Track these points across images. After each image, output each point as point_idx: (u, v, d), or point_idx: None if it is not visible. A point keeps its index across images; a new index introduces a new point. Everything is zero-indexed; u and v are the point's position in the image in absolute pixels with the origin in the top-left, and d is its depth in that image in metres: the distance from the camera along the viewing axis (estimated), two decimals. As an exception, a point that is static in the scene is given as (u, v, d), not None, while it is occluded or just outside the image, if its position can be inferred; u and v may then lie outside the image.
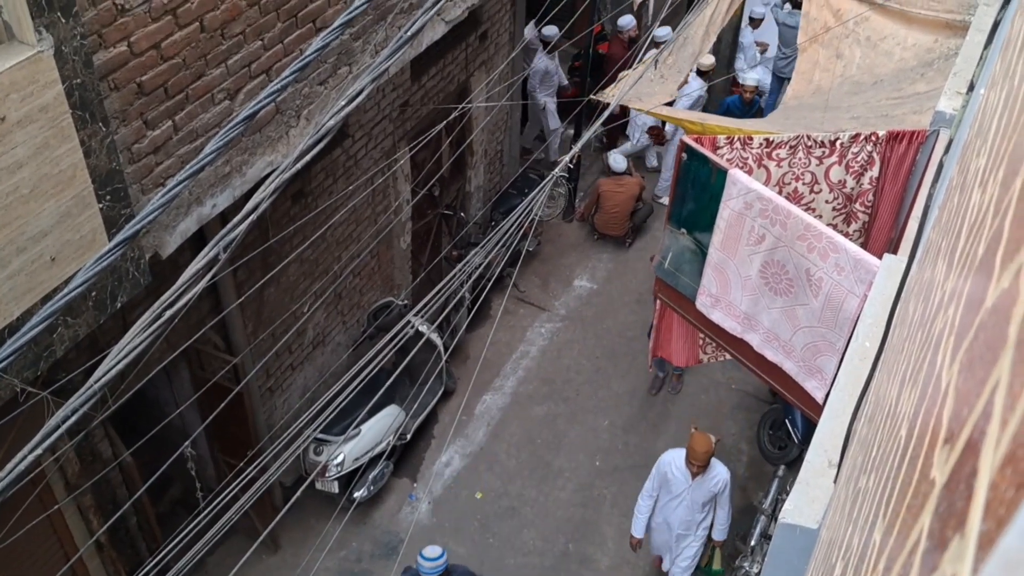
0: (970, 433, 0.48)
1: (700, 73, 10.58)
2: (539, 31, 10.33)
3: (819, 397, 5.13)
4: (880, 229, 5.68)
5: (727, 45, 11.62)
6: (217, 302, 6.36)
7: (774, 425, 8.38)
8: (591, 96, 7.93)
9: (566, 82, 11.35)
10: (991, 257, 0.56)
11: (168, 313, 2.98)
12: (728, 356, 6.10)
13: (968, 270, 0.69)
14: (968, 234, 0.80)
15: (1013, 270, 0.49)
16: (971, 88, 3.14)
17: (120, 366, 2.91)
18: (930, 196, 2.68)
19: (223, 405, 4.97)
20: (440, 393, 8.63)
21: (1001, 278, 0.50)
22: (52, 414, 2.88)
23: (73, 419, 2.75)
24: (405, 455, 8.49)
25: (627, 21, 10.75)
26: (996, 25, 2.98)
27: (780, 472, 7.51)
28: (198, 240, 5.14)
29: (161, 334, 3.02)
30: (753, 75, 11.59)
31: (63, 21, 3.68)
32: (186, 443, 4.88)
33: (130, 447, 5.96)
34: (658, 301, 6.41)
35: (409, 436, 8.29)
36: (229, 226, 3.00)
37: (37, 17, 3.58)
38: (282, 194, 6.66)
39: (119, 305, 4.42)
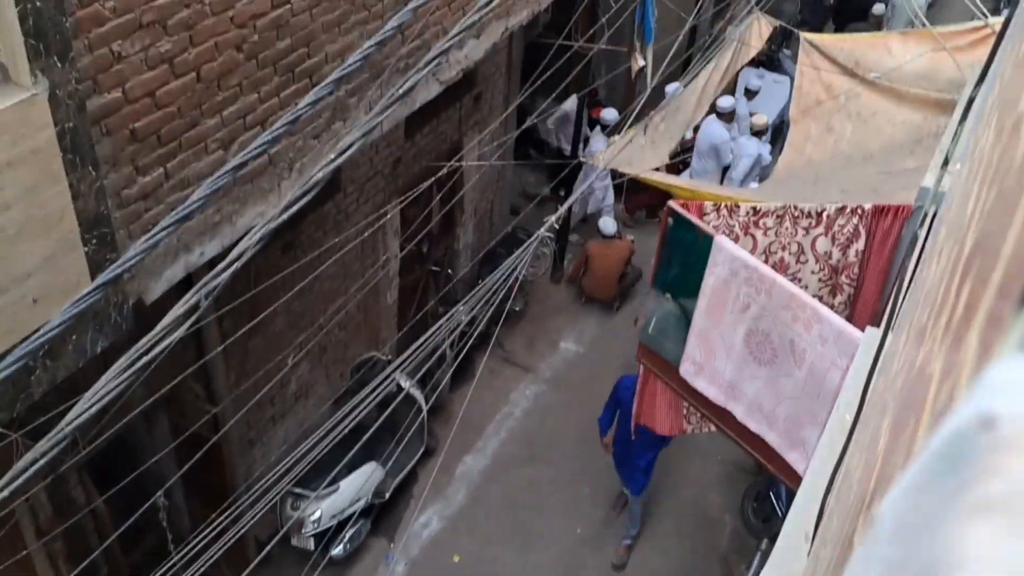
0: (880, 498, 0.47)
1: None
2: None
3: (801, 469, 5.10)
4: (865, 302, 5.71)
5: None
6: (201, 350, 6.33)
7: (758, 498, 8.32)
8: (581, 158, 8.01)
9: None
10: (928, 322, 0.57)
11: (145, 359, 2.97)
12: (713, 427, 6.07)
13: (915, 337, 0.70)
14: (922, 303, 0.81)
15: (934, 334, 0.49)
16: (946, 162, 3.19)
17: (94, 410, 2.88)
18: (908, 269, 2.70)
19: (201, 455, 4.91)
20: (420, 452, 8.56)
21: (927, 342, 0.51)
22: (22, 456, 2.84)
23: (43, 461, 2.72)
24: (383, 514, 8.39)
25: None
26: (971, 101, 3.04)
27: (763, 546, 7.45)
28: (185, 287, 5.11)
29: (137, 379, 3.00)
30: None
31: (59, 66, 3.71)
32: (159, 492, 4.82)
33: (105, 494, 5.88)
34: (642, 367, 6.40)
35: (388, 494, 8.20)
36: (212, 273, 3.00)
37: (34, 61, 3.61)
38: (272, 245, 6.68)
39: (100, 349, 4.39)
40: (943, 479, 0.35)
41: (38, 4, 3.53)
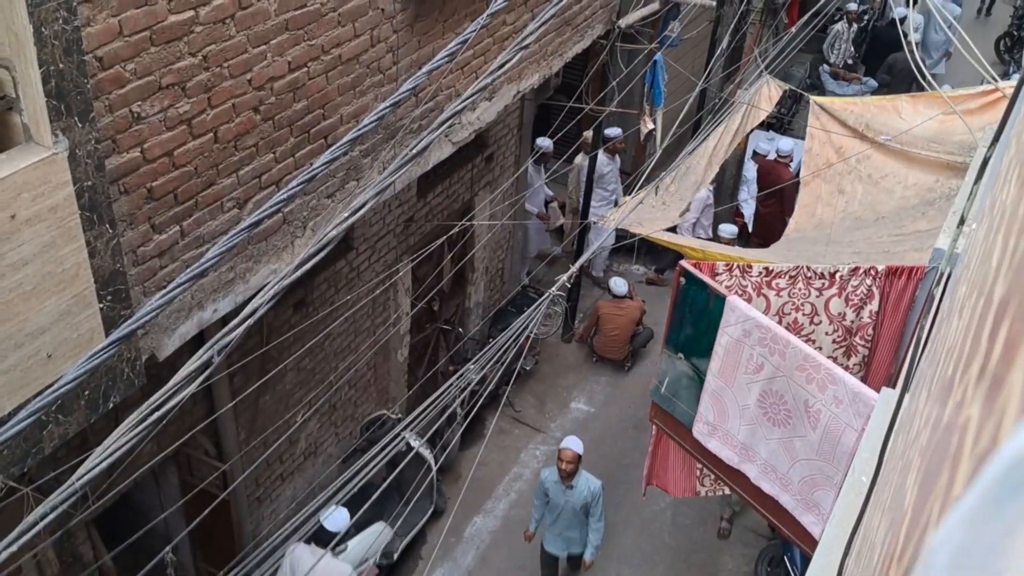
0: (913, 550, 0.47)
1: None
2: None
3: (816, 532, 5.04)
4: (880, 363, 5.68)
5: (731, 177, 11.84)
6: (211, 407, 6.32)
7: (772, 562, 8.20)
8: (592, 220, 8.05)
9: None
10: (954, 375, 0.57)
11: (156, 415, 2.97)
12: (727, 490, 6.01)
13: (938, 393, 0.70)
14: (945, 359, 0.81)
15: (964, 383, 0.49)
16: (962, 222, 3.20)
17: (104, 465, 2.88)
18: (925, 329, 2.70)
19: (209, 511, 4.89)
20: (430, 512, 8.48)
21: (956, 393, 0.51)
22: (32, 510, 2.83)
23: (52, 516, 2.71)
24: (391, 575, 8.29)
25: (615, 131, 10.88)
26: (986, 161, 3.05)
27: (776, 609, 7.33)
28: (197, 344, 5.13)
29: (148, 435, 3.00)
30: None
31: (80, 126, 3.77)
32: (166, 549, 4.78)
33: (113, 551, 5.83)
34: (654, 427, 6.36)
35: (396, 555, 8.12)
36: (225, 330, 3.01)
37: (55, 121, 3.67)
38: (283, 302, 6.70)
39: (112, 405, 4.39)
40: (1002, 507, 0.35)
41: (61, 66, 3.60)
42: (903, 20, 10.98)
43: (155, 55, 4.18)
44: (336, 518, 6.66)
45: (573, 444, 7.60)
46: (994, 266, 0.64)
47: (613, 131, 10.78)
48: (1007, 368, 0.43)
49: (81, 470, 2.82)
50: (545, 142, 10.27)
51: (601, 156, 10.47)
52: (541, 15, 3.58)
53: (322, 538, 6.47)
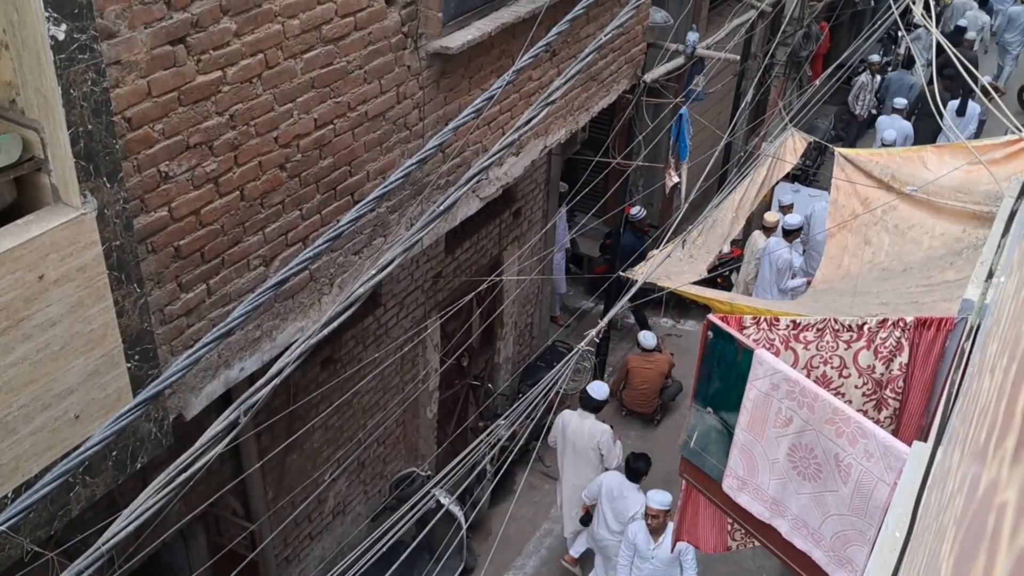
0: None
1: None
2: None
3: (851, 589, 4.93)
4: (911, 416, 5.59)
5: (756, 228, 11.81)
6: (239, 466, 6.31)
7: (806, 618, 8.02)
8: (620, 272, 8.03)
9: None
10: (988, 444, 0.55)
11: (184, 475, 2.95)
12: (757, 543, 5.90)
13: (972, 458, 0.67)
14: (977, 420, 0.78)
15: (999, 458, 0.47)
16: (990, 275, 3.15)
17: (131, 527, 2.86)
18: (955, 383, 2.65)
19: (237, 572, 4.86)
20: (460, 570, 8.38)
21: (991, 466, 0.48)
22: (57, 575, 2.82)
23: (77, 581, 2.69)
24: (421, 634, 8.18)
25: (640, 212, 11.03)
26: (1013, 215, 3.02)
27: (813, 670, 7.14)
28: (224, 403, 5.14)
29: (176, 496, 2.98)
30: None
31: (108, 186, 3.82)
32: (193, 612, 4.74)
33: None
34: (684, 482, 6.27)
35: (426, 614, 8.01)
36: (252, 389, 3.00)
37: (84, 181, 3.72)
38: (311, 360, 6.71)
39: (139, 466, 4.39)
40: None
41: (89, 127, 3.65)
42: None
43: (183, 115, 4.24)
44: (596, 387, 8.61)
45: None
46: (1027, 327, 0.62)
47: (638, 212, 10.91)
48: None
49: (108, 532, 2.80)
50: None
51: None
52: (567, 71, 3.60)
53: (586, 405, 8.46)
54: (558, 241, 10.84)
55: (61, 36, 3.44)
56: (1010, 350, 0.66)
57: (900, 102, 13.94)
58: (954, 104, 14.39)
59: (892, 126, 13.65)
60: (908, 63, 16.22)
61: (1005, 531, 0.42)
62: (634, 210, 10.92)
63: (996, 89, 15.61)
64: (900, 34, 15.87)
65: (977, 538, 0.44)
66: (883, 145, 12.88)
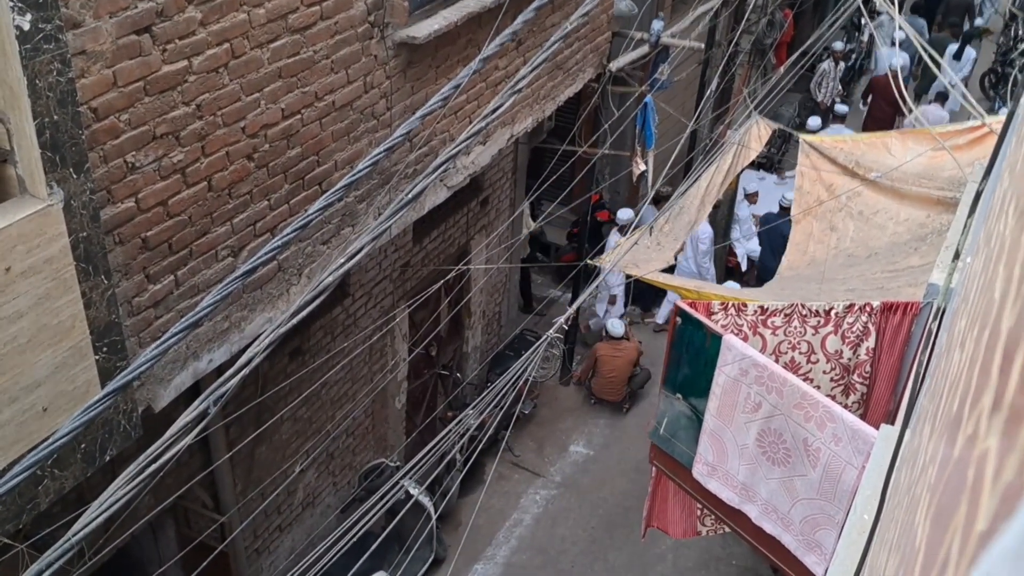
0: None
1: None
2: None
3: (819, 573, 4.99)
4: (878, 400, 5.66)
5: (723, 216, 11.89)
6: (208, 458, 6.28)
7: (774, 601, 8.12)
8: (587, 260, 8.06)
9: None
10: (962, 409, 0.56)
11: (153, 467, 2.94)
12: (727, 529, 5.96)
13: (944, 428, 0.69)
14: (948, 393, 0.80)
15: (975, 416, 0.48)
16: (957, 256, 3.21)
17: (100, 520, 2.84)
18: (923, 365, 2.69)
19: (207, 564, 4.83)
20: (430, 561, 8.39)
21: (967, 426, 0.50)
22: (27, 567, 2.79)
23: (48, 573, 2.67)
24: (392, 624, 8.19)
25: (627, 214, 11.05)
26: (979, 195, 3.08)
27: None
28: (193, 394, 5.10)
29: (145, 488, 2.97)
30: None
31: (75, 177, 3.78)
32: (165, 604, 4.72)
33: (108, 608, 5.76)
34: (654, 468, 6.32)
35: (397, 604, 8.02)
36: (220, 380, 2.99)
37: (50, 172, 3.67)
38: (279, 351, 6.69)
39: (108, 458, 4.35)
40: None
41: (55, 118, 3.61)
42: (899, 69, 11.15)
43: (149, 105, 4.20)
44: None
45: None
46: (997, 297, 0.64)
47: (625, 213, 10.93)
48: (1027, 398, 0.43)
49: (77, 525, 2.79)
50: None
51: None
52: (533, 59, 3.60)
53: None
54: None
55: (26, 26, 3.40)
56: (980, 319, 0.68)
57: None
58: (952, 48, 15.32)
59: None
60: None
61: (988, 475, 0.44)
62: (622, 213, 10.96)
63: (988, 32, 17.23)
64: (863, 21, 16.01)
65: (956, 492, 0.46)
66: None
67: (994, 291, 0.66)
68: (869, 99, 15.16)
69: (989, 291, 0.69)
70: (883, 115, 14.11)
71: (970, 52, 15.55)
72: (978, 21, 16.98)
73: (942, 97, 14.16)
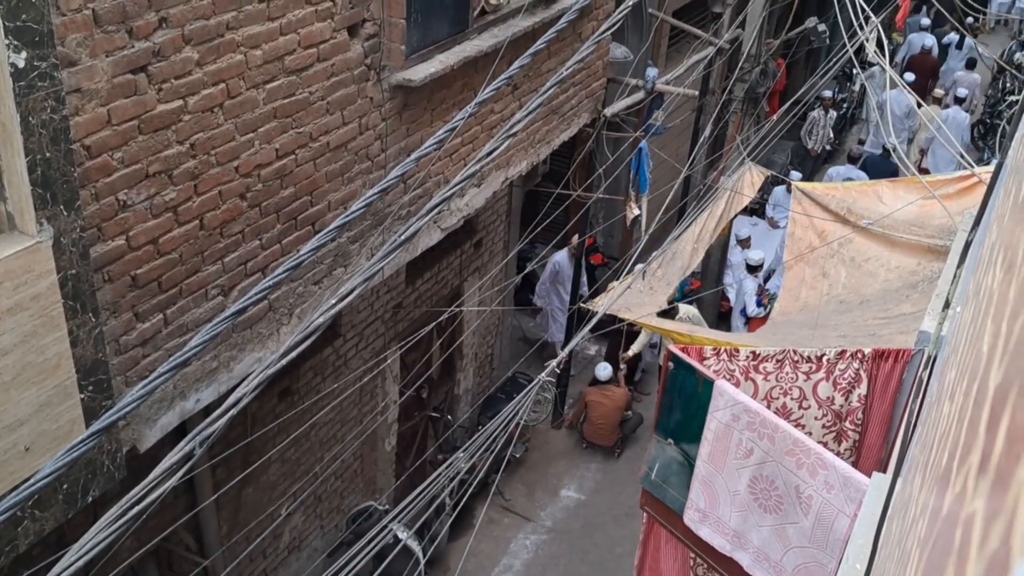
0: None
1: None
2: None
3: (811, 621, 4.92)
4: (870, 448, 5.63)
5: (715, 262, 11.91)
6: (193, 500, 6.20)
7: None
8: (581, 304, 8.05)
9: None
10: (951, 464, 0.55)
11: (136, 509, 2.89)
12: None
13: (935, 481, 0.68)
14: (938, 445, 0.79)
15: (963, 474, 0.47)
16: (947, 305, 3.20)
17: (81, 563, 2.79)
18: (914, 413, 2.67)
19: (189, 609, 4.76)
20: (418, 605, 8.28)
21: (955, 483, 0.49)
22: (4, 612, 2.74)
23: (24, 618, 2.62)
24: (378, 671, 8.05)
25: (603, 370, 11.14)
26: (968, 245, 3.08)
27: None
28: (179, 435, 5.06)
29: (128, 530, 2.92)
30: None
31: (65, 214, 3.77)
32: (146, 649, 4.63)
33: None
34: (645, 514, 6.26)
35: (383, 651, 7.89)
36: (208, 420, 2.96)
37: (40, 209, 3.66)
38: (268, 391, 6.64)
39: (91, 499, 4.30)
40: None
41: (47, 155, 3.61)
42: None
43: (143, 143, 4.21)
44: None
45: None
46: (985, 351, 0.63)
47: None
48: (1014, 464, 0.41)
49: (58, 568, 2.74)
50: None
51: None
52: (529, 104, 3.62)
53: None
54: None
55: (21, 63, 3.41)
56: (970, 372, 0.66)
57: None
58: (954, 37, 18.03)
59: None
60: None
61: (974, 540, 0.43)
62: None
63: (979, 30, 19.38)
64: (855, 72, 16.18)
65: (944, 553, 0.45)
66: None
67: (982, 344, 0.65)
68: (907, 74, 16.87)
69: (978, 343, 0.68)
70: (919, 86, 16.26)
71: (969, 42, 16.91)
72: (969, 20, 18.06)
73: (972, 63, 16.38)
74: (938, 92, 16.24)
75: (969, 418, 0.54)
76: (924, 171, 15.37)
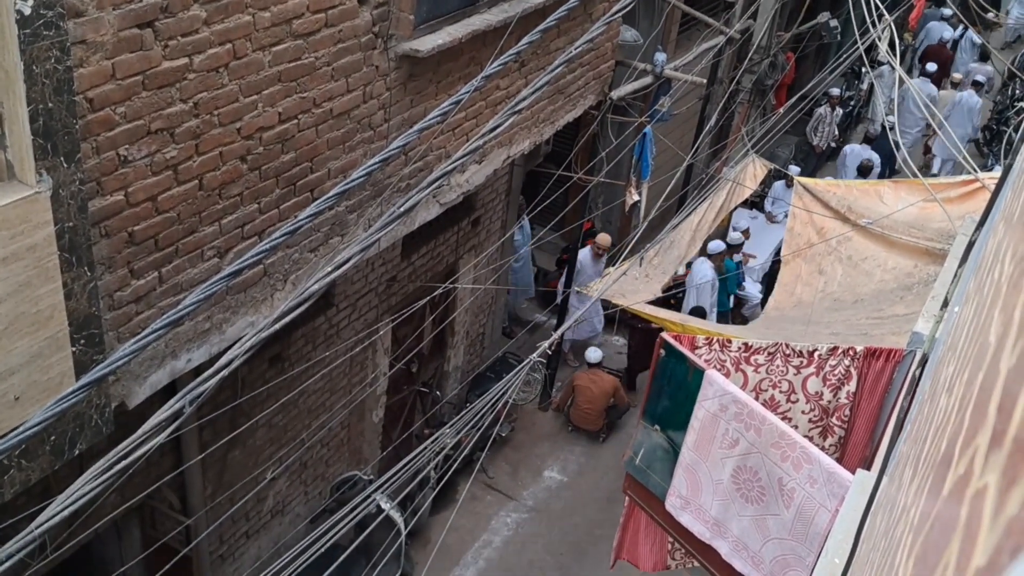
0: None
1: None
2: None
3: (786, 614, 4.96)
4: (855, 445, 5.66)
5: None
6: (179, 459, 6.21)
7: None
8: (576, 288, 8.05)
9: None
10: (951, 449, 0.55)
11: (123, 464, 2.90)
12: (697, 564, 5.93)
13: (930, 469, 0.68)
14: (933, 436, 0.79)
15: (968, 456, 0.47)
16: (945, 304, 3.21)
17: (65, 514, 2.80)
18: (903, 412, 2.68)
19: (170, 567, 4.76)
20: (397, 577, 8.32)
21: (957, 466, 0.49)
22: (-14, 558, 2.74)
23: (7, 564, 2.62)
24: (354, 640, 8.09)
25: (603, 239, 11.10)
26: (971, 245, 3.09)
27: None
28: (168, 393, 5.04)
29: (114, 484, 2.92)
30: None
31: (65, 166, 3.75)
32: (124, 604, 4.65)
33: (66, 605, 5.67)
34: (627, 498, 6.29)
35: (360, 620, 7.93)
36: (198, 380, 2.96)
37: (40, 159, 3.65)
38: (259, 356, 6.64)
39: (77, 452, 4.30)
40: None
41: (50, 105, 3.59)
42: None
43: (146, 100, 4.18)
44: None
45: None
46: (993, 341, 0.63)
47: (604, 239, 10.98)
48: (1029, 441, 0.42)
49: (42, 517, 2.74)
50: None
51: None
52: (535, 81, 3.60)
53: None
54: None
55: (27, 11, 3.38)
56: (972, 364, 0.67)
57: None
58: (970, 35, 18.18)
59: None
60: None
61: (986, 512, 0.43)
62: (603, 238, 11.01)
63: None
64: (864, 70, 16.15)
65: (946, 531, 0.45)
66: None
67: (988, 335, 0.65)
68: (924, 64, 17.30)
69: (983, 336, 0.68)
70: (936, 77, 16.71)
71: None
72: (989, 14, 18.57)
73: (984, 56, 17.16)
74: (956, 77, 16.69)
75: (974, 403, 0.55)
76: (928, 150, 16.49)
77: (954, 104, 15.96)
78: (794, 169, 13.47)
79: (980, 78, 16.67)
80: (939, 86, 16.67)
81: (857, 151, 14.83)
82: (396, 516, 7.78)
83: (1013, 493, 0.41)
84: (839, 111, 15.56)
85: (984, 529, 0.43)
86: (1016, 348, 0.51)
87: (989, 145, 16.77)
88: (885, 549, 0.90)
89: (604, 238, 10.89)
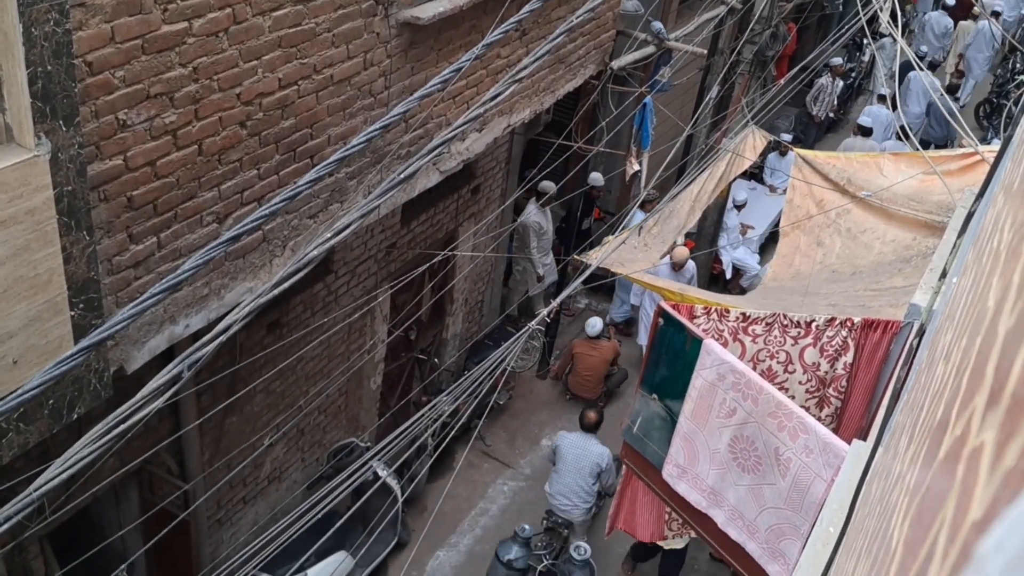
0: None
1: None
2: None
3: (780, 582, 5.01)
4: (852, 416, 5.68)
5: (711, 224, 11.90)
6: (177, 424, 6.24)
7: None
8: (574, 256, 8.06)
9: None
10: (948, 414, 0.56)
11: (121, 428, 2.91)
12: (693, 533, 5.97)
13: (927, 435, 0.68)
14: (930, 403, 0.79)
15: (964, 418, 0.47)
16: (943, 276, 3.22)
17: (63, 477, 2.81)
18: (900, 382, 2.70)
19: (167, 531, 4.80)
20: (393, 544, 8.37)
21: (954, 428, 0.49)
22: (-15, 520, 2.76)
23: (5, 527, 2.64)
24: (351, 604, 8.16)
25: (595, 178, 10.73)
26: (970, 216, 3.09)
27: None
28: (166, 359, 5.05)
29: (112, 448, 2.94)
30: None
31: (64, 129, 3.74)
32: (121, 567, 4.69)
33: (65, 567, 5.71)
34: (624, 467, 6.33)
35: (357, 585, 7.99)
36: (197, 344, 2.97)
37: (39, 123, 3.63)
38: (257, 322, 6.65)
39: (76, 416, 4.32)
40: None
41: (48, 68, 3.57)
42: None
43: (145, 63, 4.16)
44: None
45: None
46: (991, 306, 0.63)
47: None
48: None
49: (40, 480, 2.76)
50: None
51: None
52: (536, 51, 3.59)
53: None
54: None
55: (24, -29, 3.36)
56: (971, 330, 0.67)
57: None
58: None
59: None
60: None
61: (983, 467, 0.43)
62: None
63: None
64: (865, 41, 16.07)
65: (943, 490, 0.45)
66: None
67: (987, 301, 0.65)
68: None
69: (981, 302, 0.69)
70: (962, 5, 18.16)
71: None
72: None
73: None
74: (976, 10, 17.71)
75: (972, 367, 0.55)
76: (960, 73, 18.07)
77: (977, 31, 17.65)
78: (785, 137, 13.40)
79: (999, 6, 18.12)
80: (966, 15, 18.24)
81: (873, 111, 14.94)
82: (393, 483, 7.82)
83: (1011, 446, 0.41)
84: (840, 82, 15.50)
85: (981, 484, 0.43)
86: (1015, 310, 0.52)
87: (989, 118, 16.72)
88: (880, 515, 0.91)
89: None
